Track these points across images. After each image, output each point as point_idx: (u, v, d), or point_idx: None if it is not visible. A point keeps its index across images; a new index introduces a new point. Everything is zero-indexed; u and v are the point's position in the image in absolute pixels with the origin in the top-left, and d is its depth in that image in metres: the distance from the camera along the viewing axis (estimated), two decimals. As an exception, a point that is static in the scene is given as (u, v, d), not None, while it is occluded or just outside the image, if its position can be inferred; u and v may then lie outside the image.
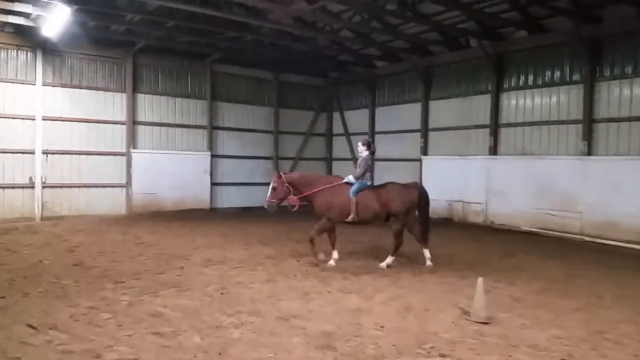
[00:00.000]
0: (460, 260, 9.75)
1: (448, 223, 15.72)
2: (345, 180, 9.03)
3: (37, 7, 12.65)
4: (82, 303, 6.30)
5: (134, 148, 17.08)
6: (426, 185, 16.91)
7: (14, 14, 13.48)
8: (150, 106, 17.57)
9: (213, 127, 18.78)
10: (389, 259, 8.98)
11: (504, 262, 9.75)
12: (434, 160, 17.12)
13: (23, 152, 15.10)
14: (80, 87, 16.22)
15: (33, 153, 15.27)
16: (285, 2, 13.41)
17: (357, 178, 8.96)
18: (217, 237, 12.11)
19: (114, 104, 16.80)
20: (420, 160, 17.50)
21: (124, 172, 16.90)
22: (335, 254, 9.02)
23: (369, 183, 9.05)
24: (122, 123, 16.89)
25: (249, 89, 19.72)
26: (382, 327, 5.66)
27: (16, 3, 12.59)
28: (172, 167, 17.64)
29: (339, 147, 21.55)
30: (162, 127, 17.78)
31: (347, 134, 20.95)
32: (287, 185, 8.78)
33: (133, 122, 17.11)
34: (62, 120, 15.85)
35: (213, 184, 18.74)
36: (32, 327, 5.28)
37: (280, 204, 9.08)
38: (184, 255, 9.73)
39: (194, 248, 10.59)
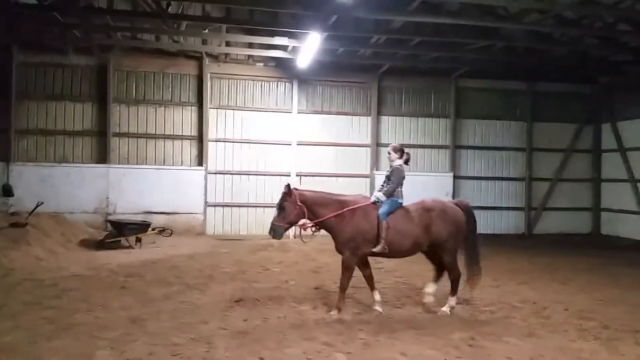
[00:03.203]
0: None
1: None
2: (372, 200, 7.02)
3: (293, 39, 13.64)
4: (317, 336, 5.89)
5: (377, 170, 17.11)
6: None
7: (274, 49, 14.88)
8: (393, 128, 17.47)
9: (456, 147, 17.62)
10: (452, 301, 7.09)
11: None
12: None
13: (280, 175, 16.44)
14: (330, 113, 17.03)
15: (288, 175, 16.51)
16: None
17: (388, 195, 6.96)
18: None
19: (360, 128, 17.18)
20: None
21: (368, 193, 17.00)
22: (377, 296, 7.06)
23: (401, 201, 7.05)
24: (367, 146, 17.13)
25: (498, 103, 17.95)
26: None
27: (275, 37, 13.79)
28: (414, 188, 16.71)
29: (610, 165, 17.92)
30: (405, 148, 17.41)
31: (621, 150, 17.27)
32: (300, 204, 6.85)
33: (377, 145, 17.20)
34: (314, 145, 16.83)
35: (457, 207, 17.46)
36: (264, 363, 5.01)
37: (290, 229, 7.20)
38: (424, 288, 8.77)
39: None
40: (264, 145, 16.49)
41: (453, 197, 17.34)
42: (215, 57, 16.19)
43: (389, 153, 7.46)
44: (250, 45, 15.38)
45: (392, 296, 8.09)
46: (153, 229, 13.32)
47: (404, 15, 12.30)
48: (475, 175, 17.80)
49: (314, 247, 13.57)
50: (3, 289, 7.98)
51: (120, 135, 15.66)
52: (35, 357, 5.10)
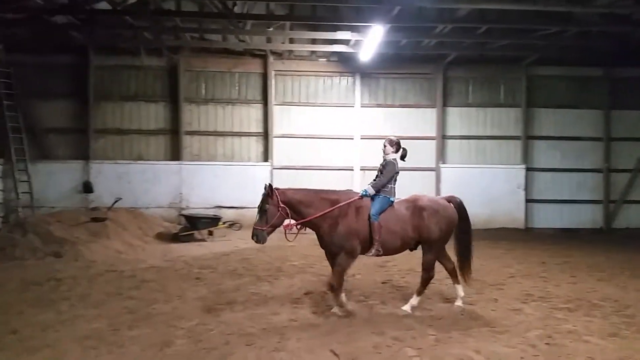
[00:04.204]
0: None
1: None
2: (361, 193, 6.58)
3: (355, 33, 13.60)
4: (387, 331, 5.84)
5: (443, 163, 16.75)
6: None
7: (337, 43, 14.90)
8: (459, 119, 17.05)
9: (528, 137, 16.91)
10: (414, 300, 6.76)
11: None
12: None
13: (344, 169, 16.49)
14: (393, 106, 16.86)
15: (352, 170, 16.53)
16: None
17: (377, 189, 6.55)
18: (535, 264, 10.42)
19: (424, 120, 16.90)
20: None
21: (433, 187, 16.70)
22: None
23: (392, 199, 6.63)
24: (431, 138, 16.81)
25: (572, 90, 17.05)
26: None
27: (338, 32, 13.80)
28: (482, 182, 16.58)
29: None
30: (471, 140, 16.99)
31: None
32: (282, 206, 6.31)
33: (443, 137, 16.83)
34: (377, 139, 16.64)
35: (528, 200, 16.79)
36: (335, 354, 5.03)
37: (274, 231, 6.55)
38: (497, 284, 8.49)
39: (508, 275, 9.23)
40: (328, 140, 16.60)
41: (526, 190, 16.74)
42: (279, 55, 16.44)
43: (384, 146, 6.94)
44: (313, 42, 15.48)
45: (465, 292, 7.86)
46: (224, 223, 13.74)
47: (468, 3, 11.94)
48: (550, 167, 17.02)
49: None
50: (87, 279, 8.51)
51: (191, 133, 16.28)
52: (118, 345, 5.40)
